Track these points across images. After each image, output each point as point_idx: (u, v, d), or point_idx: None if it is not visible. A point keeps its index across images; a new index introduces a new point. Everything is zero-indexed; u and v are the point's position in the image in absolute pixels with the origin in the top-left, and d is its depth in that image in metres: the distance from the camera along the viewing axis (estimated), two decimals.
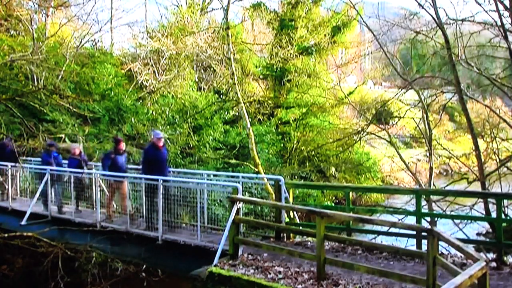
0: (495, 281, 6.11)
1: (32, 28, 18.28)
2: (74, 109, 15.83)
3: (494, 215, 8.85)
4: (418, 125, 16.61)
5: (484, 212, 10.13)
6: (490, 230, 11.16)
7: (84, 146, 14.46)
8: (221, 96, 23.56)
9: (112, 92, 19.63)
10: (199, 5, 27.32)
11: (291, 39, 22.57)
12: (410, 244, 8.73)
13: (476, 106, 20.33)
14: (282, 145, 22.04)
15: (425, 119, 13.60)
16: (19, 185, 11.97)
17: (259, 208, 12.42)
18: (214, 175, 11.18)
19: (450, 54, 11.00)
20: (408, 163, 18.17)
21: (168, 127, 18.81)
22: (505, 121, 12.97)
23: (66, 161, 11.23)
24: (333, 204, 19.63)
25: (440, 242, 5.89)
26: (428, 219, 9.62)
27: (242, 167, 17.21)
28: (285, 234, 8.83)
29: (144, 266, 9.17)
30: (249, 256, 7.43)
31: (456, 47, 11.68)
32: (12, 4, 19.35)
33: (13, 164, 11.59)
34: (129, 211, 9.05)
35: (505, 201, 9.91)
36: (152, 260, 8.53)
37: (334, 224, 9.27)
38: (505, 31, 10.51)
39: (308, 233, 7.67)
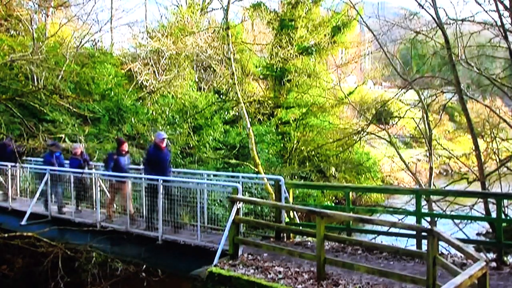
0: (495, 281, 6.11)
1: (32, 28, 18.28)
2: (74, 109, 15.84)
3: (494, 215, 8.85)
4: (418, 125, 16.60)
5: (484, 212, 10.14)
6: (490, 230, 11.16)
7: (84, 146, 14.46)
8: (221, 96, 23.57)
9: (112, 92, 19.63)
10: (199, 5, 27.33)
11: (291, 39, 22.58)
12: (410, 244, 8.73)
13: (476, 106, 20.34)
14: (282, 145, 22.04)
15: (425, 119, 13.60)
16: (19, 185, 11.98)
17: (259, 208, 12.41)
18: (214, 175, 11.17)
19: (450, 54, 11.00)
20: (408, 163, 18.17)
21: (168, 127, 18.82)
22: (505, 121, 12.97)
23: (68, 161, 11.24)
24: (333, 204, 19.64)
25: (440, 242, 5.88)
26: (428, 219, 9.61)
27: (242, 167, 17.21)
28: (285, 234, 8.83)
29: (144, 266, 9.16)
30: (249, 256, 7.43)
31: (456, 47, 11.68)
32: (12, 4, 19.35)
33: (13, 164, 11.59)
34: (129, 211, 9.05)
35: (505, 201, 9.90)
36: (152, 260, 8.53)
37: (334, 224, 9.27)
38: (505, 31, 10.51)
39: (308, 233, 7.66)
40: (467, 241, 8.81)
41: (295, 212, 10.02)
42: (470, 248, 5.52)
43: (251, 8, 24.36)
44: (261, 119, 22.78)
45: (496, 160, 12.50)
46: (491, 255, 8.20)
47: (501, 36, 10.91)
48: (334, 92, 23.54)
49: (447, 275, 5.16)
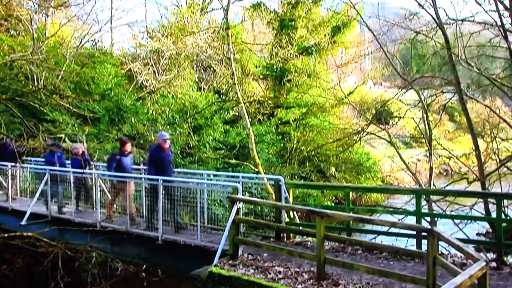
0: (495, 281, 6.11)
1: (32, 28, 18.29)
2: (74, 109, 15.81)
3: (494, 215, 8.85)
4: (418, 125, 16.60)
5: (484, 212, 10.13)
6: (490, 230, 11.16)
7: (85, 146, 14.47)
8: (221, 96, 23.57)
9: (112, 92, 19.64)
10: (199, 5, 27.33)
11: (291, 39, 22.58)
12: (410, 244, 8.73)
13: (476, 106, 20.34)
14: (282, 145, 22.05)
15: (425, 119, 13.60)
16: (19, 185, 11.98)
17: (259, 208, 12.41)
18: (214, 175, 11.17)
19: (450, 54, 11.00)
20: (408, 163, 18.17)
21: (168, 127, 18.82)
22: (505, 121, 12.97)
23: (69, 161, 11.24)
24: (333, 204, 19.64)
25: (440, 242, 5.88)
26: (428, 219, 9.61)
27: (242, 167, 17.21)
28: (285, 234, 8.83)
29: (144, 266, 9.16)
30: (249, 256, 7.43)
31: (456, 47, 11.68)
32: (12, 4, 19.35)
33: (13, 164, 11.59)
34: (129, 211, 9.05)
35: (505, 201, 9.90)
36: (152, 260, 8.52)
37: (334, 224, 9.27)
38: (505, 31, 10.51)
39: (308, 233, 7.66)
40: (467, 241, 8.80)
41: (295, 212, 10.02)
42: (470, 248, 5.51)
43: (251, 8, 24.36)
44: (261, 119, 22.78)
45: (496, 160, 12.50)
46: (491, 255, 8.19)
47: (501, 36, 10.90)
48: (334, 92, 23.54)
49: (447, 275, 5.16)
